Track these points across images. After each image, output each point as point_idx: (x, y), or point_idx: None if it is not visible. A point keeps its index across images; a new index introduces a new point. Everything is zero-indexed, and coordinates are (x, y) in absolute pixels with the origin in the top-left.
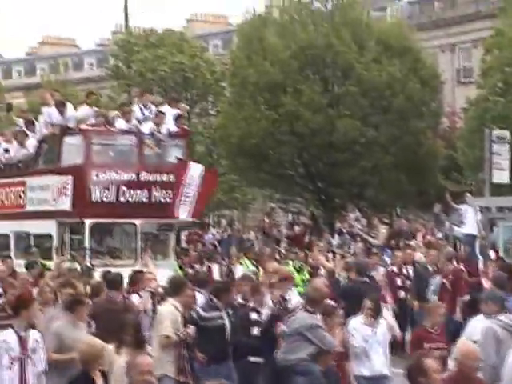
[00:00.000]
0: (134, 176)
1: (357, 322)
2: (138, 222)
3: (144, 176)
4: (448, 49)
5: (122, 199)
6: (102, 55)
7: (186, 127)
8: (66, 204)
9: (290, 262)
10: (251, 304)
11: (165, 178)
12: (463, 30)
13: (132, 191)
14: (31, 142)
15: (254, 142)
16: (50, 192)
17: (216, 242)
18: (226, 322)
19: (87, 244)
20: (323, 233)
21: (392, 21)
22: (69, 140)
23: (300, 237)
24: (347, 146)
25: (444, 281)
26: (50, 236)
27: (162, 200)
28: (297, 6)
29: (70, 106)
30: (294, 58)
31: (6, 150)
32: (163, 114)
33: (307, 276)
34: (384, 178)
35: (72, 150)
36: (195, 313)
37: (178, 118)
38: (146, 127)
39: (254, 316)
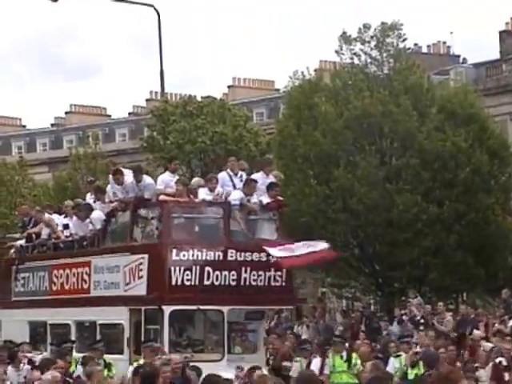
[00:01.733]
0: (220, 255)
1: None
2: (225, 308)
3: (232, 255)
4: None
5: (206, 282)
6: (136, 125)
7: (280, 198)
8: (140, 288)
9: (403, 355)
10: None
11: (255, 257)
12: None
13: (218, 273)
14: (98, 216)
15: (303, 220)
16: (120, 274)
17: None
18: None
19: (166, 335)
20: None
21: (456, 86)
22: (144, 213)
23: (356, 325)
24: (407, 224)
25: None
26: (120, 326)
27: (253, 283)
28: (350, 70)
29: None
30: (348, 127)
31: (66, 226)
32: (255, 182)
33: (422, 370)
34: (448, 259)
35: (148, 225)
36: None
37: (271, 187)
38: (235, 198)
39: None
